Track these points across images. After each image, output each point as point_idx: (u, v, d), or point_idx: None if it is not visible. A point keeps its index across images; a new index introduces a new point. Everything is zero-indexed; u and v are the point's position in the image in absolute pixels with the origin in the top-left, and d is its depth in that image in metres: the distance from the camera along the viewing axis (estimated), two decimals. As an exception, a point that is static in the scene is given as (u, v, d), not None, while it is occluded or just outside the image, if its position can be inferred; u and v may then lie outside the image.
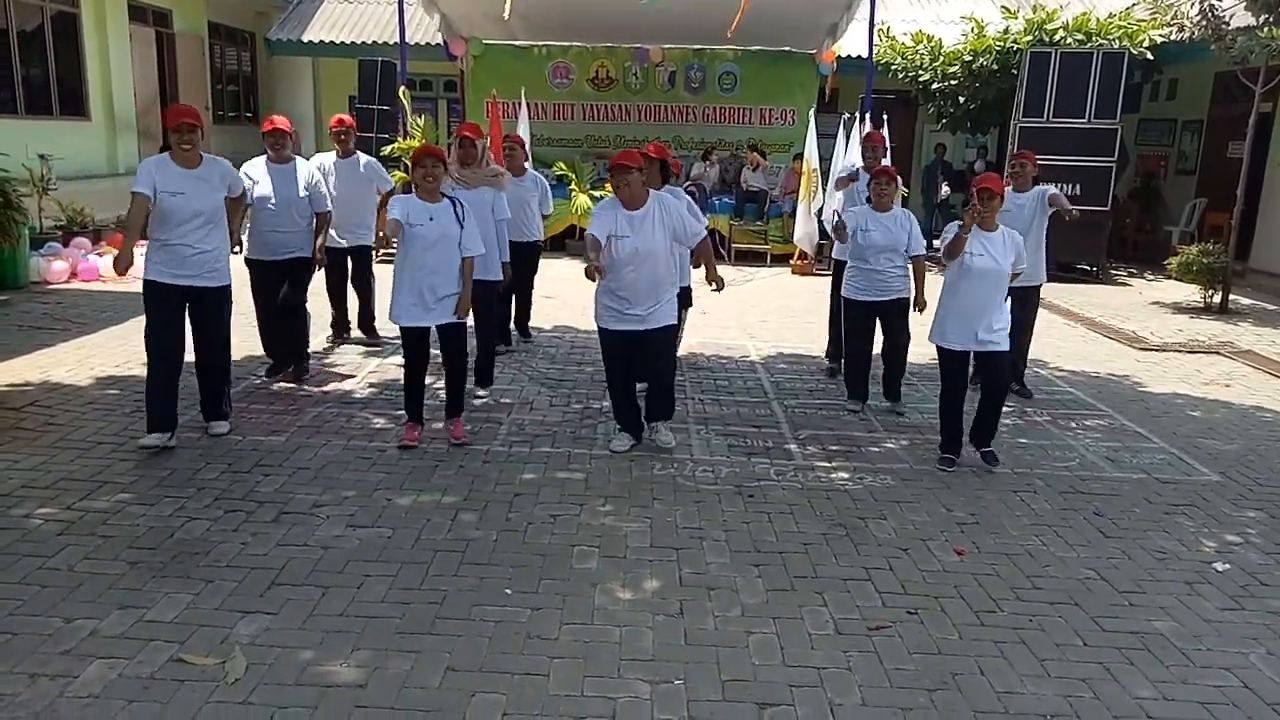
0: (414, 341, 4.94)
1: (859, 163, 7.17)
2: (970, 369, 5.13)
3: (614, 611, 3.33)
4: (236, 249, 5.44)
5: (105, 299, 8.29)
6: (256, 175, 5.74)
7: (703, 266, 4.98)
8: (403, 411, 5.20)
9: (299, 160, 5.94)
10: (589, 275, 4.68)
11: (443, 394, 5.24)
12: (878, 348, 6.04)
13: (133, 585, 3.35)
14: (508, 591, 3.44)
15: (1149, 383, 6.94)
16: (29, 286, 8.63)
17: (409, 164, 5.20)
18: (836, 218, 6.19)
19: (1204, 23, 9.35)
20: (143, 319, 4.70)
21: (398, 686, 2.84)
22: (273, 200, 5.72)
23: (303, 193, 5.82)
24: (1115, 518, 4.38)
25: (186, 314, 4.75)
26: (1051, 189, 6.30)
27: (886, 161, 7.03)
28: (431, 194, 4.80)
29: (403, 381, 5.08)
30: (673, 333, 5.04)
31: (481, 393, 5.91)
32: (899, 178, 5.91)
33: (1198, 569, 3.89)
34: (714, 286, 4.95)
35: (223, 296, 4.86)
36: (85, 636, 3.02)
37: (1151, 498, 4.66)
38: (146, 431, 4.67)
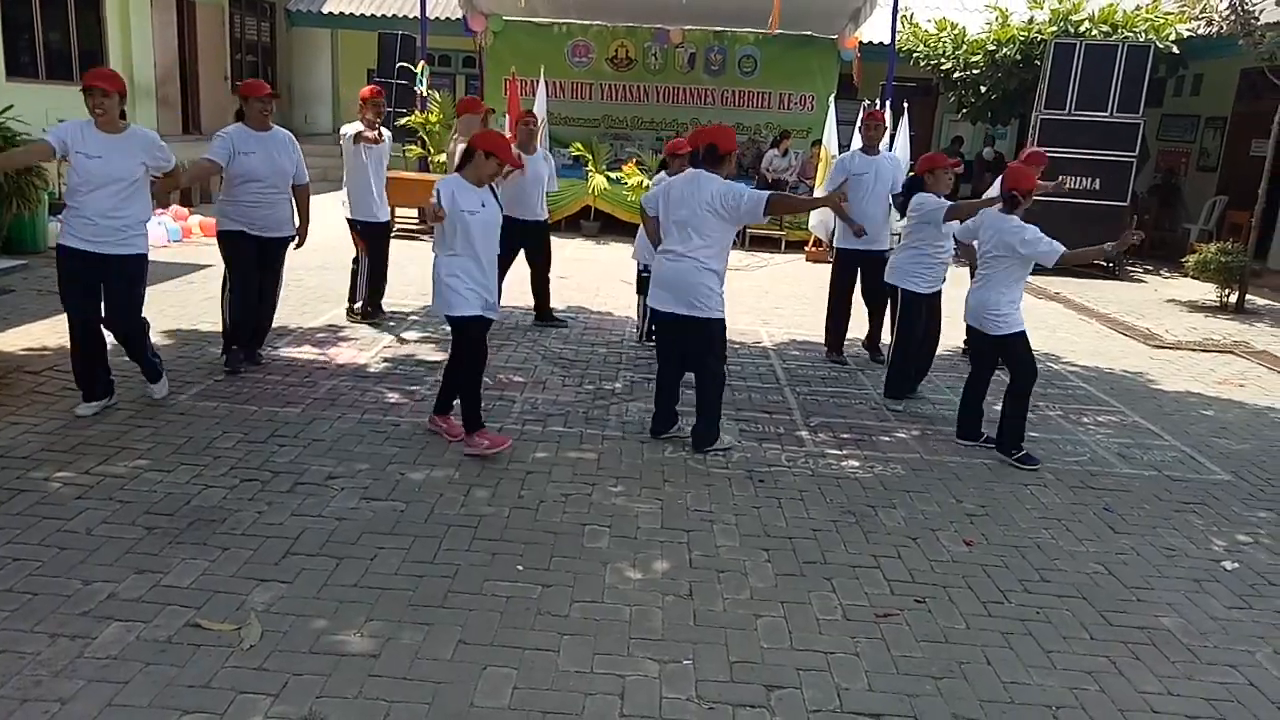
0: (478, 336, 4.51)
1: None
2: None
3: (624, 591, 3.37)
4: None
5: (123, 266, 8.32)
6: (241, 145, 5.23)
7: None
8: (416, 386, 5.27)
9: (278, 128, 5.51)
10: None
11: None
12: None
13: (150, 550, 3.40)
14: (519, 568, 3.47)
15: (1162, 380, 6.92)
16: (47, 251, 8.67)
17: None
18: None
19: (1233, 17, 9.25)
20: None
21: (410, 657, 2.88)
22: (261, 171, 5.28)
23: (288, 164, 5.42)
24: (1125, 513, 4.39)
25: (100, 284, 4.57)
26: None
27: (888, 140, 7.03)
28: (479, 181, 4.43)
29: (445, 377, 4.71)
30: (710, 329, 4.67)
31: None
32: (950, 164, 5.89)
33: (1206, 567, 3.90)
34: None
35: (135, 265, 4.63)
36: (103, 599, 3.07)
37: (1162, 495, 4.66)
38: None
